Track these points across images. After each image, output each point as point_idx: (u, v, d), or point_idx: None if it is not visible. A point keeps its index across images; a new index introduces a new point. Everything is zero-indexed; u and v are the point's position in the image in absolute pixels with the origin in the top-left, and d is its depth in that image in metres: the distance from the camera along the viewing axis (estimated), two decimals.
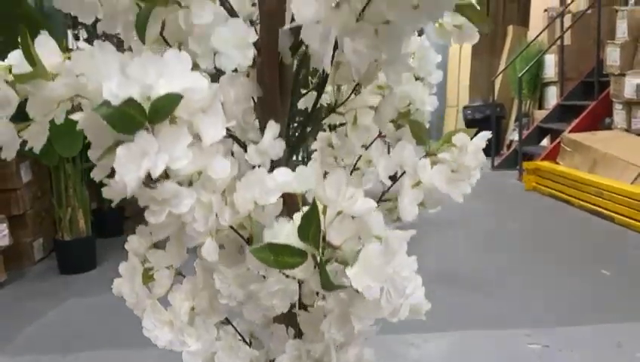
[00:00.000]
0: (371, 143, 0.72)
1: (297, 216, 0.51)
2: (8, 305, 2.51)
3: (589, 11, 5.11)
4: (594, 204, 3.55)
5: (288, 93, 0.69)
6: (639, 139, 4.01)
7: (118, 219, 3.57)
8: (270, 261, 0.47)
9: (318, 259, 0.45)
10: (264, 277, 0.52)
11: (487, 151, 3.47)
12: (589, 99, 5.03)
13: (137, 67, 0.47)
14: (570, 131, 4.78)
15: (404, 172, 0.69)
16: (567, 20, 5.51)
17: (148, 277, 0.65)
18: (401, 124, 0.77)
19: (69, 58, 0.61)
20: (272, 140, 0.62)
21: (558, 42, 5.50)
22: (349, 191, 0.51)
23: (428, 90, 0.81)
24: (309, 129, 0.71)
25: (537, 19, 6.41)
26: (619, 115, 4.38)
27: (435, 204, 0.71)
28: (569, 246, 3.00)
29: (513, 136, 6.20)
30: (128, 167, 0.47)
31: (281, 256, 0.47)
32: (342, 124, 0.76)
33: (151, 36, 0.60)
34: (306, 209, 0.47)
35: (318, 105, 0.73)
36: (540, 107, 6.13)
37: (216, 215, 0.53)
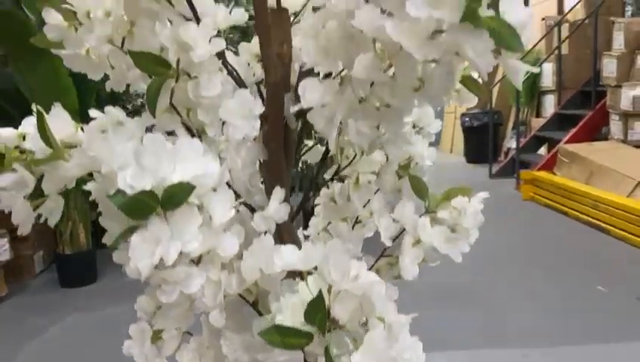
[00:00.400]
0: (371, 198, 0.74)
1: (303, 288, 0.53)
2: (10, 319, 2.53)
3: (587, 21, 5.14)
4: (590, 216, 3.58)
5: (292, 155, 0.71)
6: (636, 151, 4.03)
7: None
8: (277, 342, 0.49)
9: (325, 343, 0.48)
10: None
11: (485, 159, 3.54)
12: (587, 109, 5.07)
13: (151, 157, 0.49)
14: (567, 141, 4.81)
15: (404, 229, 0.71)
16: (565, 29, 5.54)
17: (157, 337, 0.66)
18: (401, 175, 0.79)
19: (82, 129, 0.63)
20: (277, 206, 0.64)
21: (556, 51, 5.53)
22: (353, 269, 0.53)
23: (427, 140, 0.83)
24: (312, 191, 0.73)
25: (535, 27, 6.44)
26: (615, 126, 4.41)
27: (435, 259, 0.73)
28: (566, 260, 3.02)
29: (511, 143, 6.23)
30: (142, 254, 0.49)
31: (287, 338, 0.49)
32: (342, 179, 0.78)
33: (161, 107, 0.63)
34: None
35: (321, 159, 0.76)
36: (538, 115, 6.16)
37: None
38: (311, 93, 0.56)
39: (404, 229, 0.71)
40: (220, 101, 0.62)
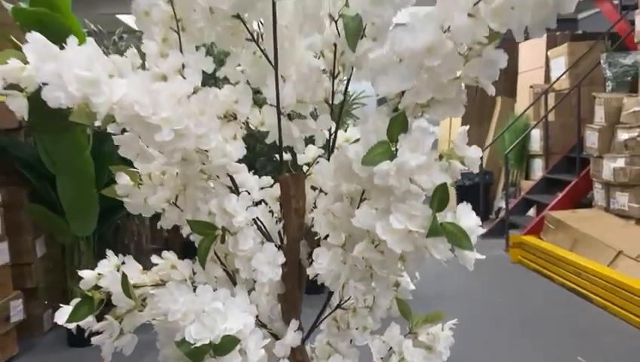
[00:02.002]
0: (366, 324, 0.93)
1: None
2: None
3: (572, 92, 5.45)
4: (574, 283, 3.76)
5: (304, 285, 0.91)
6: (617, 220, 4.25)
7: None
8: None
9: None
10: None
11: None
12: (573, 174, 5.31)
13: (210, 317, 0.69)
14: (554, 206, 5.04)
15: (391, 348, 0.90)
16: (552, 98, 5.85)
17: None
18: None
19: (146, 274, 0.83)
20: (293, 335, 0.83)
21: (543, 119, 5.83)
22: None
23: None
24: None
25: (524, 91, 6.77)
26: (599, 194, 4.64)
27: None
28: (550, 328, 3.18)
29: (501, 203, 6.45)
30: None
31: None
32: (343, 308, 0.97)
33: (208, 258, 0.83)
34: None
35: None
36: (527, 177, 6.41)
37: None
38: (322, 260, 0.76)
39: (391, 348, 0.90)
40: (252, 252, 0.83)
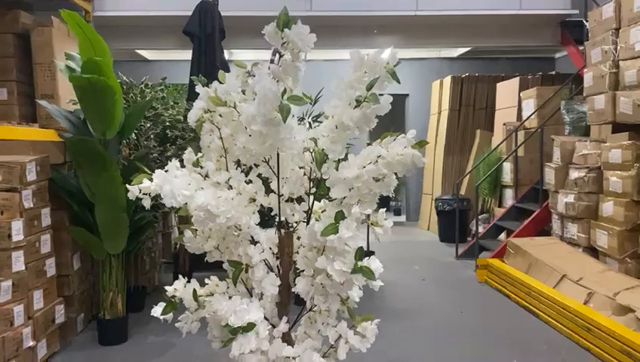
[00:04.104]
0: (329, 321, 1.58)
1: None
2: None
3: (538, 131, 6.14)
4: (526, 301, 4.41)
5: (290, 298, 1.56)
6: (568, 247, 4.92)
7: (141, 295, 4.39)
8: None
9: None
10: None
11: (452, 240, 4.65)
12: (538, 203, 5.99)
13: (240, 313, 1.35)
14: (518, 233, 5.72)
15: (340, 336, 1.55)
16: (522, 135, 6.55)
17: None
18: (344, 302, 1.62)
19: (202, 288, 1.48)
20: (284, 325, 1.48)
21: (514, 153, 6.52)
22: (315, 356, 1.37)
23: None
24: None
25: (499, 127, 7.47)
26: (556, 223, 5.31)
27: (356, 348, 1.56)
28: (496, 336, 3.83)
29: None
30: (236, 349, 1.33)
31: None
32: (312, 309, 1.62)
33: (237, 278, 1.49)
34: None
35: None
36: (500, 205, 7.09)
37: None
38: (300, 284, 1.42)
39: (340, 336, 1.55)
40: (262, 278, 1.48)
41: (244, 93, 1.50)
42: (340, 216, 1.34)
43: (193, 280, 1.48)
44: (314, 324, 1.56)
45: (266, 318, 1.50)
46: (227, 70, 5.61)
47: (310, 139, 1.45)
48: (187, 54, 6.12)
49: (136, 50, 8.23)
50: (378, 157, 1.31)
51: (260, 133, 1.31)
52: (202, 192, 1.33)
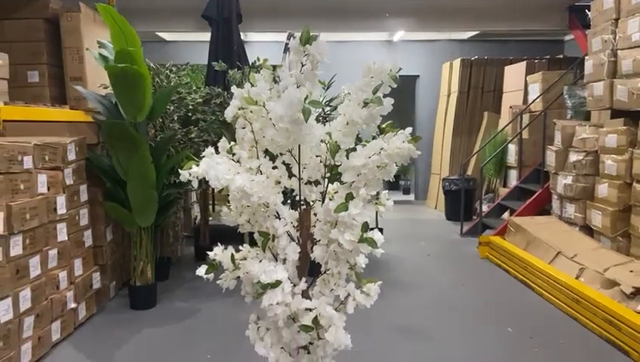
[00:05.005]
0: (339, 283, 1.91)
1: (308, 316, 1.70)
2: (102, 331, 3.68)
3: (542, 115, 6.38)
4: (522, 276, 4.73)
5: (308, 262, 1.89)
6: (565, 226, 5.21)
7: (166, 265, 4.78)
8: None
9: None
10: None
11: (458, 218, 5.07)
12: (540, 184, 6.26)
13: (269, 272, 1.69)
14: (520, 212, 6.01)
15: (349, 294, 1.88)
16: (527, 118, 6.79)
17: None
18: (351, 267, 1.95)
19: (237, 253, 1.82)
20: (303, 284, 1.82)
21: (518, 136, 6.77)
22: (329, 309, 1.71)
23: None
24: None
25: (507, 109, 7.71)
26: (555, 203, 5.60)
27: (361, 306, 1.89)
28: (493, 306, 4.16)
29: (483, 207, 7.40)
30: (266, 301, 1.67)
31: None
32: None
33: (265, 246, 1.82)
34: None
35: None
36: (505, 185, 7.36)
37: None
38: (317, 251, 1.75)
39: (348, 294, 1.87)
40: (285, 246, 1.81)
41: (270, 92, 1.82)
42: (349, 197, 1.65)
43: (229, 248, 1.81)
44: (327, 285, 1.88)
45: (288, 279, 1.82)
46: (244, 52, 5.91)
47: (326, 133, 1.76)
48: (204, 36, 6.42)
49: (156, 32, 8.52)
50: (381, 149, 1.62)
51: (285, 129, 1.62)
52: (239, 176, 1.65)
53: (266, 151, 1.85)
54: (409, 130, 1.67)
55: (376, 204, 1.87)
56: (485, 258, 5.63)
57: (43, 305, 3.17)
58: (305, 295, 1.83)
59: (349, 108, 1.74)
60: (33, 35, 4.67)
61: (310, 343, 1.77)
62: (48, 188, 3.27)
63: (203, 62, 6.24)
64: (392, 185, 11.93)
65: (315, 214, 1.91)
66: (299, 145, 1.74)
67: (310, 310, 1.71)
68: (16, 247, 2.90)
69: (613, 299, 3.66)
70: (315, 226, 1.86)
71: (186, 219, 5.93)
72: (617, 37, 4.63)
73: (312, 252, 1.77)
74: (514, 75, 7.73)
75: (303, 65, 1.68)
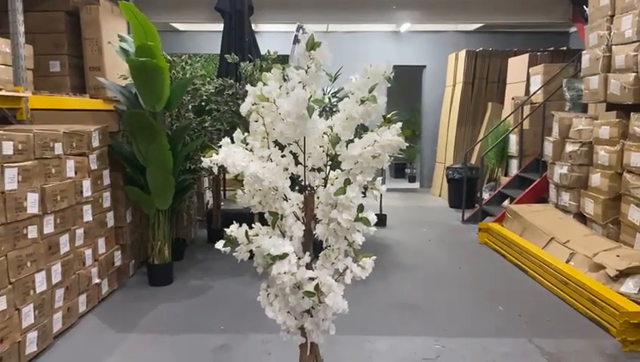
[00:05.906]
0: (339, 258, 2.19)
1: (311, 284, 1.99)
2: (124, 304, 3.99)
3: (542, 106, 6.59)
4: (518, 260, 4.99)
5: (312, 239, 2.17)
6: (560, 214, 5.45)
7: (181, 246, 5.08)
8: None
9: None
10: None
11: (460, 205, 5.41)
12: (539, 173, 6.49)
13: (278, 245, 1.97)
14: (519, 200, 6.25)
15: (347, 267, 2.16)
16: (528, 109, 7.00)
17: None
18: (350, 244, 2.23)
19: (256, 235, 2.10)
20: (307, 258, 2.10)
21: (519, 126, 6.99)
22: (329, 279, 1.99)
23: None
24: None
25: (509, 102, 7.91)
26: (552, 192, 5.83)
27: (357, 277, 2.17)
28: (488, 287, 4.43)
29: (483, 194, 7.65)
30: (275, 270, 1.96)
31: None
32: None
33: (274, 224, 2.10)
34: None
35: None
36: (506, 174, 7.60)
37: None
38: (319, 229, 2.02)
39: (346, 267, 2.15)
40: (292, 224, 2.09)
41: (279, 90, 2.08)
42: (347, 182, 1.92)
43: (244, 225, 2.09)
44: (328, 258, 2.16)
45: (294, 253, 2.09)
46: (255, 43, 6.16)
47: (328, 127, 2.03)
48: (216, 26, 6.65)
49: (170, 23, 8.78)
50: (375, 141, 1.89)
51: (293, 123, 1.89)
52: (252, 164, 1.92)
53: (276, 142, 2.12)
54: (399, 124, 1.93)
55: (371, 188, 2.14)
56: (484, 243, 5.89)
57: (71, 278, 3.48)
58: (308, 267, 2.11)
59: (348, 105, 2.00)
60: (55, 26, 4.94)
61: (312, 308, 2.05)
62: (75, 173, 3.57)
63: (215, 51, 6.49)
64: (398, 173, 12.18)
65: (318, 197, 2.18)
66: (304, 137, 2.01)
67: (313, 279, 1.98)
68: (49, 226, 3.20)
69: (599, 282, 3.92)
70: (317, 207, 2.13)
71: (199, 203, 6.23)
72: (612, 33, 4.83)
73: (315, 229, 2.05)
74: (517, 66, 7.92)
75: (308, 68, 1.94)
